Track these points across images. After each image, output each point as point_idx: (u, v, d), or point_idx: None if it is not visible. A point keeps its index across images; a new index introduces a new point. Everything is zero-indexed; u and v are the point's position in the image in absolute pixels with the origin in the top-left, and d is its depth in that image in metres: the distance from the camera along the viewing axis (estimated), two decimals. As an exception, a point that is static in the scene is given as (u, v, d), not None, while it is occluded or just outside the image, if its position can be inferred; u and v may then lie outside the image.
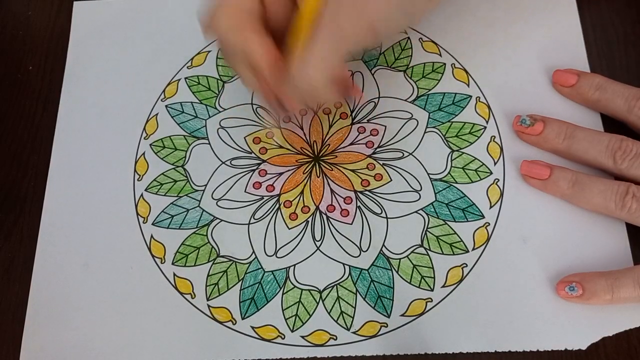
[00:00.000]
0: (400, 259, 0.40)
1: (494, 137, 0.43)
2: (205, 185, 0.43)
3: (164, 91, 0.46)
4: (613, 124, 0.42)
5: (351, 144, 0.43)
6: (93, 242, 0.42)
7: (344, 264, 0.40)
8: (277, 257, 0.40)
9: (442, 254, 0.40)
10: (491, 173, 0.42)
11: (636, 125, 0.40)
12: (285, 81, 0.36)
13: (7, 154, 0.45)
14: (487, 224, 0.40)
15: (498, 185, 0.41)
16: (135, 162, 0.44)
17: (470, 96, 0.44)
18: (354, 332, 0.38)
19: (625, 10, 0.46)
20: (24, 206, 0.43)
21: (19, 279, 0.41)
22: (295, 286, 0.40)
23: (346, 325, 0.38)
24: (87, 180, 0.43)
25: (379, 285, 0.39)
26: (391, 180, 0.42)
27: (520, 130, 0.41)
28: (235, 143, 0.44)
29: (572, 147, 0.40)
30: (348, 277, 0.40)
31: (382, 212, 0.41)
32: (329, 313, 0.39)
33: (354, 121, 0.44)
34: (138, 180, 0.43)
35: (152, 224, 0.42)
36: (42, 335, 0.39)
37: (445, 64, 0.45)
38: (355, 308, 0.39)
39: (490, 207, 0.41)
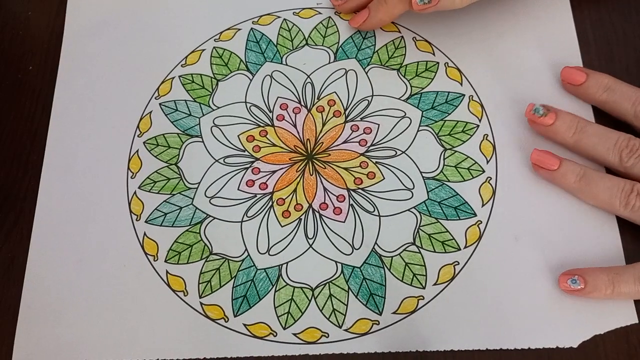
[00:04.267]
0: (392, 256, 0.40)
1: (487, 135, 0.43)
2: (199, 183, 0.43)
3: (157, 89, 0.46)
4: (604, 116, 0.42)
5: (344, 142, 0.43)
6: (86, 240, 0.42)
7: (336, 262, 0.40)
8: (269, 254, 0.40)
9: (434, 251, 0.40)
10: (483, 171, 0.42)
11: None
12: None
13: (7, 154, 0.45)
14: (479, 222, 0.40)
15: (490, 184, 0.41)
16: (129, 160, 0.44)
17: (463, 95, 0.44)
18: (345, 330, 0.38)
19: (624, 10, 0.46)
20: (24, 206, 0.43)
21: (19, 279, 0.41)
22: (287, 284, 0.40)
23: (338, 322, 0.38)
24: (81, 178, 0.44)
25: (371, 283, 0.39)
26: (384, 178, 0.42)
27: (532, 119, 0.41)
28: (228, 141, 0.44)
29: (581, 141, 0.40)
30: (340, 274, 0.40)
31: (374, 210, 0.41)
32: (321, 311, 0.39)
33: (347, 119, 0.44)
34: (131, 177, 0.43)
35: (145, 221, 0.42)
36: (35, 331, 0.39)
37: (438, 62, 0.46)
38: (347, 306, 0.39)
39: (483, 205, 0.41)
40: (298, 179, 0.43)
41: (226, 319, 0.39)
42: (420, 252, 0.40)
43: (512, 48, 0.45)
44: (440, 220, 0.41)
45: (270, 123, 0.44)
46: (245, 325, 0.39)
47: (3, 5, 0.51)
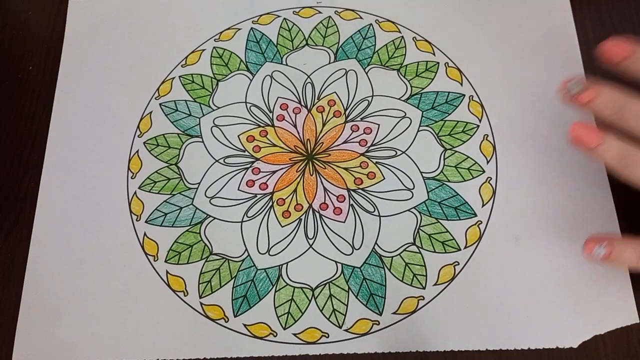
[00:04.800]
0: (392, 257, 0.40)
1: (487, 135, 0.43)
2: (199, 183, 0.43)
3: (158, 89, 0.46)
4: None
5: (344, 142, 0.43)
6: (87, 240, 0.42)
7: (336, 262, 0.40)
8: (269, 254, 0.40)
9: (434, 252, 0.40)
10: (484, 171, 0.42)
11: None
12: None
13: (7, 154, 0.45)
14: (480, 222, 0.40)
15: (490, 184, 0.41)
16: (129, 160, 0.44)
17: (464, 95, 0.44)
18: (345, 330, 0.38)
19: (624, 10, 0.46)
20: (24, 206, 0.43)
21: (19, 279, 0.41)
22: (287, 284, 0.40)
23: (338, 322, 0.38)
24: (81, 178, 0.44)
25: (371, 283, 0.39)
26: (384, 178, 0.42)
27: (568, 95, 0.37)
28: (228, 141, 0.44)
29: (619, 122, 0.36)
30: (340, 275, 0.40)
31: (374, 210, 0.41)
32: (321, 311, 0.39)
33: (348, 119, 0.44)
34: (132, 178, 0.43)
35: (146, 221, 0.42)
36: (35, 331, 0.39)
37: (438, 62, 0.46)
38: (347, 306, 0.39)
39: (483, 205, 0.41)
40: (298, 179, 0.43)
41: (226, 319, 0.39)
42: (420, 252, 0.40)
43: (512, 48, 0.45)
44: (440, 221, 0.41)
45: (270, 123, 0.44)
46: (245, 325, 0.39)
47: (3, 5, 0.51)
